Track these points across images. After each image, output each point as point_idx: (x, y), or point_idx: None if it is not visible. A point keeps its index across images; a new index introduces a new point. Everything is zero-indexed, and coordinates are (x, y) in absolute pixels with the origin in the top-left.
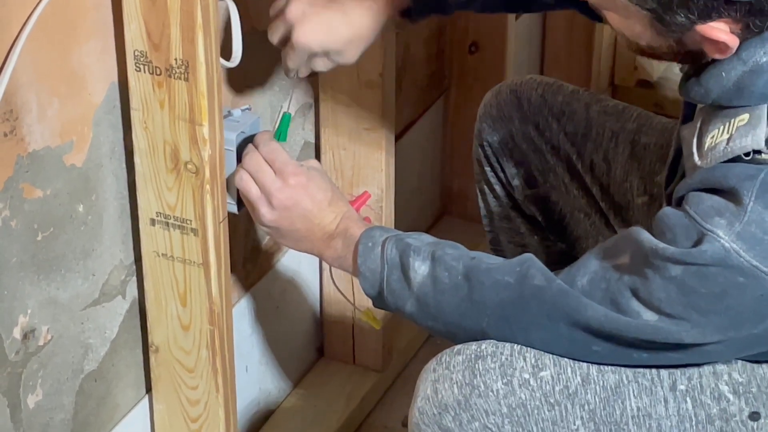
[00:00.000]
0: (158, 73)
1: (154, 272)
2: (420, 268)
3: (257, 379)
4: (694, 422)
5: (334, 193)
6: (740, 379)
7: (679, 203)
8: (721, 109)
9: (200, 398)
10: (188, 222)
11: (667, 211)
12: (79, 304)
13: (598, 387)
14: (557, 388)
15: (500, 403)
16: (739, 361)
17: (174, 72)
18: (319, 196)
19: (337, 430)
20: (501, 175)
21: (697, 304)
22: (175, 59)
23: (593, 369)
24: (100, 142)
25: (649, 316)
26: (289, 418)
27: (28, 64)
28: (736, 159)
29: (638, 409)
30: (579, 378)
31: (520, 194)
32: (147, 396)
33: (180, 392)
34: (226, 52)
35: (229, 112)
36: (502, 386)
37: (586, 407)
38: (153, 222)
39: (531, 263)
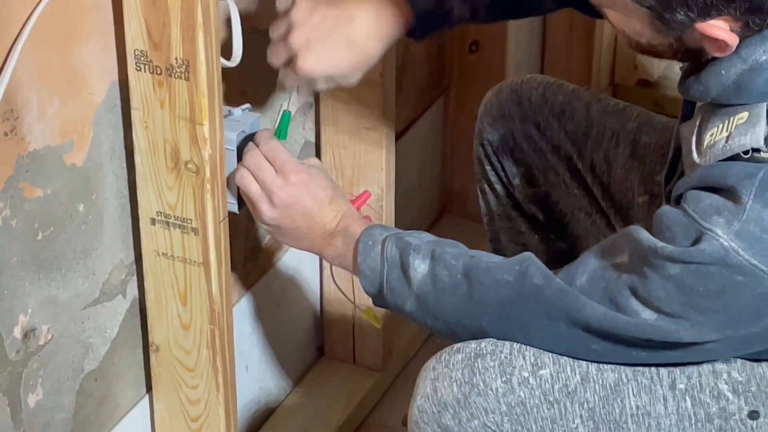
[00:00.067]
0: (159, 72)
1: (154, 271)
2: (420, 267)
3: (257, 378)
4: (693, 421)
5: (335, 192)
6: (739, 378)
7: (677, 201)
8: (720, 107)
9: (200, 397)
10: (188, 221)
11: (666, 209)
12: (79, 303)
13: (597, 385)
14: (556, 387)
15: (499, 401)
16: (739, 360)
17: (174, 71)
18: (320, 194)
19: (338, 429)
20: (501, 174)
21: (696, 302)
22: (176, 58)
23: (592, 367)
24: (101, 142)
25: (647, 314)
26: (289, 418)
27: (29, 64)
28: (735, 157)
29: (637, 407)
30: (578, 376)
31: (520, 193)
32: (147, 395)
33: (180, 391)
34: (226, 51)
35: (229, 111)
36: (502, 384)
37: (586, 406)
38: (153, 221)
39: (530, 262)
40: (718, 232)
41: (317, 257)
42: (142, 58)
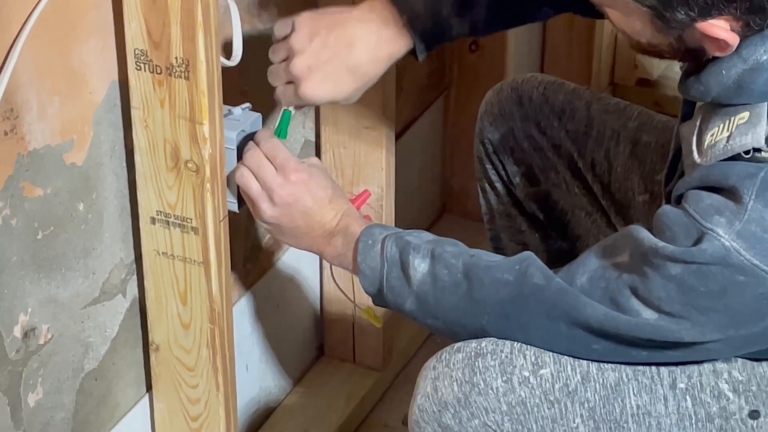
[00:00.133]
0: (159, 71)
1: (154, 271)
2: (420, 266)
3: (257, 377)
4: (693, 420)
5: (335, 191)
6: (740, 378)
7: (678, 201)
8: (720, 107)
9: (200, 397)
10: (188, 220)
11: (667, 209)
12: (79, 302)
13: (597, 385)
14: (557, 386)
15: (500, 400)
16: (739, 360)
17: (174, 70)
18: (320, 194)
19: (338, 428)
20: (502, 173)
21: (697, 302)
22: (176, 58)
23: (593, 367)
24: (101, 141)
25: (648, 314)
26: (289, 417)
27: (29, 63)
28: (736, 157)
29: (638, 407)
30: (579, 376)
31: (521, 192)
32: (147, 395)
33: (180, 391)
34: (226, 50)
35: (229, 110)
36: (502, 384)
37: (586, 405)
38: (153, 220)
39: (530, 261)
40: (720, 232)
41: (317, 256)
42: (142, 58)
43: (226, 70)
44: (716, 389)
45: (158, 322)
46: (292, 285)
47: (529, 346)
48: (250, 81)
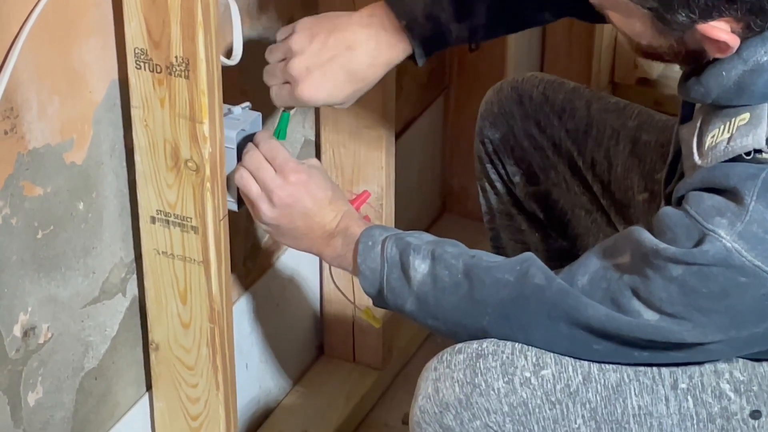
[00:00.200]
0: (158, 70)
1: (154, 270)
2: (420, 267)
3: (257, 376)
4: (695, 421)
5: (334, 192)
6: (741, 378)
7: (679, 203)
8: (721, 108)
9: (200, 396)
10: (188, 220)
11: (668, 210)
12: (79, 301)
13: (599, 385)
14: (558, 387)
15: (501, 401)
16: (740, 360)
17: (174, 70)
18: (319, 195)
19: (338, 427)
20: (502, 172)
21: (699, 303)
22: (176, 57)
23: (594, 367)
24: (101, 140)
25: (650, 315)
26: (289, 416)
27: (29, 62)
28: (736, 158)
29: (639, 407)
30: (580, 376)
31: (521, 191)
32: (147, 394)
33: (180, 390)
34: (226, 50)
35: (229, 109)
36: (504, 385)
37: (588, 406)
38: (153, 220)
39: (531, 262)
40: (721, 233)
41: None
42: (142, 57)
43: (226, 70)
44: (717, 389)
45: (158, 321)
46: (292, 284)
47: (530, 347)
48: (250, 80)
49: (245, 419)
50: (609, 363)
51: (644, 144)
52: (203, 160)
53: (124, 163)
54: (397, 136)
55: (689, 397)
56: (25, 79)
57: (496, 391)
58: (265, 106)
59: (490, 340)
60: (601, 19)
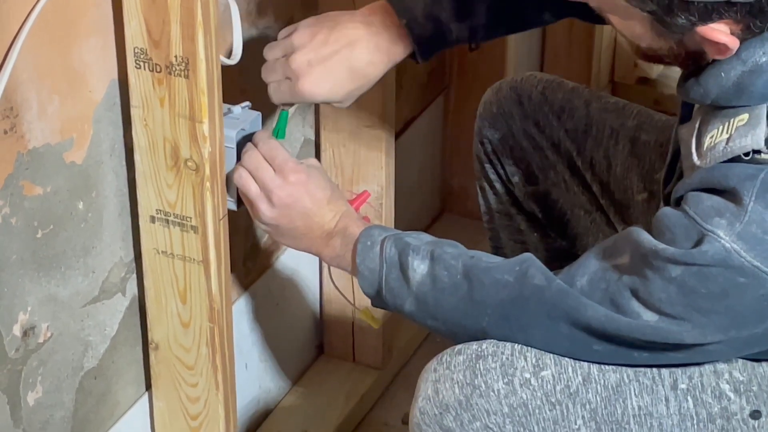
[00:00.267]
0: (158, 70)
1: (154, 269)
2: (419, 267)
3: (257, 376)
4: (695, 421)
5: (333, 192)
6: (741, 378)
7: (678, 203)
8: (720, 109)
9: (200, 395)
10: (188, 219)
11: (667, 211)
12: (79, 301)
13: (599, 386)
14: (558, 388)
15: (501, 402)
16: (740, 360)
17: (174, 69)
18: (318, 195)
19: (337, 427)
20: (501, 172)
21: (698, 304)
22: (176, 56)
23: (594, 368)
24: (101, 140)
25: (649, 316)
26: (288, 416)
27: (29, 61)
28: (735, 159)
29: (639, 408)
30: (580, 377)
31: (520, 191)
32: (147, 393)
33: (180, 389)
34: (226, 49)
35: (229, 109)
36: (503, 386)
37: (588, 406)
38: (153, 219)
39: (531, 262)
40: (720, 233)
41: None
42: (142, 56)
43: (225, 69)
44: (717, 390)
45: (158, 320)
46: (292, 284)
47: (529, 348)
48: (250, 80)
49: (245, 419)
50: (609, 364)
51: (643, 144)
52: (203, 160)
53: (124, 163)
54: (397, 135)
55: (689, 398)
56: (25, 79)
57: (496, 393)
58: (264, 105)
59: (489, 341)
60: (603, 19)
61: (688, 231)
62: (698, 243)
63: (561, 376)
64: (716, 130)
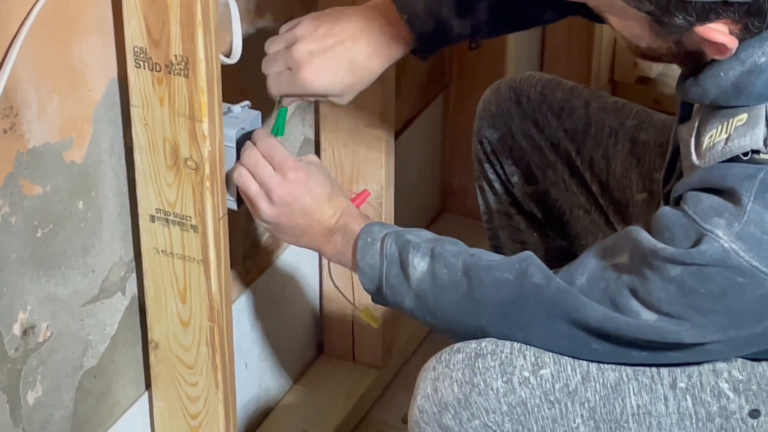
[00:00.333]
0: (158, 69)
1: (153, 269)
2: (419, 265)
3: (257, 375)
4: (694, 420)
5: (333, 189)
6: (740, 377)
7: (677, 203)
8: (719, 108)
9: (200, 395)
10: (188, 219)
11: (666, 210)
12: (78, 300)
13: (598, 385)
14: (557, 386)
15: (500, 401)
16: (739, 359)
17: (174, 68)
18: (318, 191)
19: (337, 426)
20: (500, 172)
21: (697, 304)
22: (175, 56)
23: (593, 367)
24: (100, 139)
25: (648, 315)
26: (288, 415)
27: (28, 61)
28: (734, 159)
29: (638, 406)
30: (579, 376)
31: (519, 191)
32: (146, 392)
33: (180, 389)
34: (225, 48)
35: (228, 108)
36: (502, 384)
37: (586, 405)
38: (153, 219)
39: (530, 261)
40: (719, 233)
41: (316, 255)
42: (142, 55)
43: (225, 68)
44: (716, 388)
45: (157, 320)
46: (292, 283)
47: (529, 347)
48: (250, 79)
49: (245, 418)
50: (608, 363)
51: (643, 143)
52: (203, 159)
53: (124, 162)
54: (397, 135)
55: (688, 396)
56: (25, 78)
57: (495, 391)
58: (264, 104)
59: (488, 339)
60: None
61: (687, 231)
62: (697, 243)
63: (560, 374)
64: (715, 130)
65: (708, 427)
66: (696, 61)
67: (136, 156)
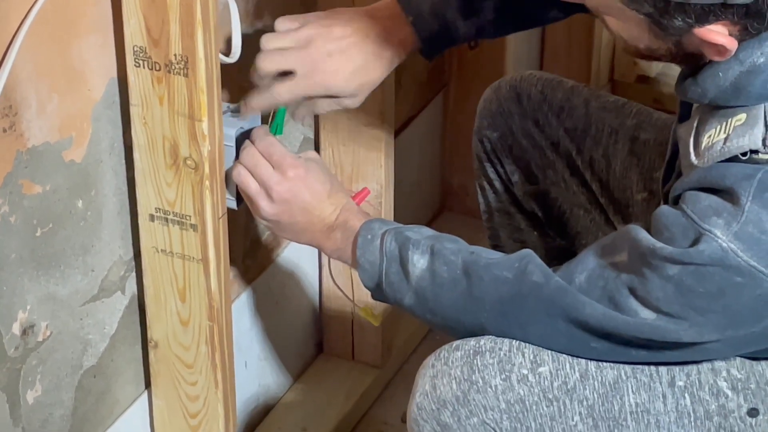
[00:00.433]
0: (157, 68)
1: (153, 268)
2: (419, 262)
3: (256, 374)
4: (692, 418)
5: (333, 185)
6: (739, 376)
7: (676, 202)
8: (718, 108)
9: (199, 394)
10: (187, 218)
11: (665, 210)
12: (78, 299)
13: (596, 383)
14: (556, 384)
15: (499, 398)
16: (738, 358)
17: (173, 68)
18: (318, 188)
19: (337, 425)
20: (500, 171)
21: (695, 303)
22: (175, 55)
23: (592, 365)
24: (100, 138)
25: (647, 314)
26: (288, 414)
27: (28, 60)
28: (733, 159)
29: (637, 404)
30: (577, 374)
31: (519, 190)
32: (146, 392)
33: (179, 388)
34: (225, 47)
35: (228, 107)
36: (501, 382)
37: (585, 403)
38: (152, 218)
39: (530, 259)
40: (717, 233)
41: (316, 254)
42: (141, 55)
43: (225, 67)
44: (715, 387)
45: (157, 319)
46: (291, 282)
47: (527, 344)
48: (250, 78)
49: (244, 417)
50: (606, 361)
51: (643, 143)
52: (202, 158)
53: (123, 161)
54: (397, 134)
55: (686, 395)
56: (24, 77)
57: (494, 388)
58: None
59: (487, 337)
60: None
61: (685, 230)
62: (695, 242)
63: (558, 372)
64: (714, 130)
65: (706, 425)
66: (696, 62)
67: (136, 155)
